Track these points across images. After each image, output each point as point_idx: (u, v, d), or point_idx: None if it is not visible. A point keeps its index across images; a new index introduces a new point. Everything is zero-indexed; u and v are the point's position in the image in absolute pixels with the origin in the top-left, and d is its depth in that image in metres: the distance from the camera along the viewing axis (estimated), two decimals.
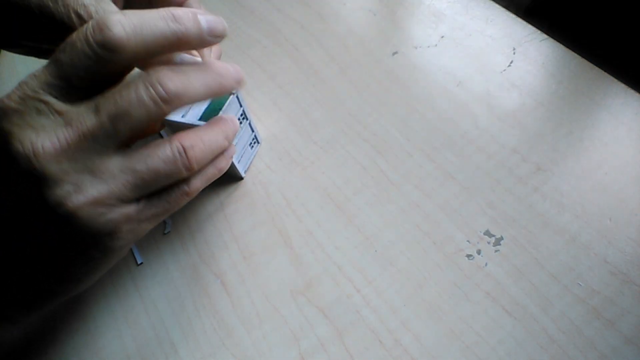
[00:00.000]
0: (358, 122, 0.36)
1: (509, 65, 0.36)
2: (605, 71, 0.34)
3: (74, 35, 0.20)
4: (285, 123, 0.37)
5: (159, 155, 0.21)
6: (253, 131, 0.34)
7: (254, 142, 0.35)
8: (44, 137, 0.19)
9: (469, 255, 0.29)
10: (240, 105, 0.31)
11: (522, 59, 0.36)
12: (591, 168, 0.31)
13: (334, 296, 0.29)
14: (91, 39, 0.19)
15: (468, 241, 0.30)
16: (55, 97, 0.20)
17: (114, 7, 0.25)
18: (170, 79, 0.21)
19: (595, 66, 0.35)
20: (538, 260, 0.28)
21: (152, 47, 0.20)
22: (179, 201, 0.24)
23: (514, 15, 0.39)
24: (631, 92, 0.33)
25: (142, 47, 0.20)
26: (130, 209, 0.22)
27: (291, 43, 0.41)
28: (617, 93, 0.33)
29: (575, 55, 0.36)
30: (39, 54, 0.29)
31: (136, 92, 0.20)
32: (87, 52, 0.19)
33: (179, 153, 0.22)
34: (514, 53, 0.37)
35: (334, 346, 0.27)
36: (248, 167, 0.35)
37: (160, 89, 0.20)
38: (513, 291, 0.28)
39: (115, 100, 0.20)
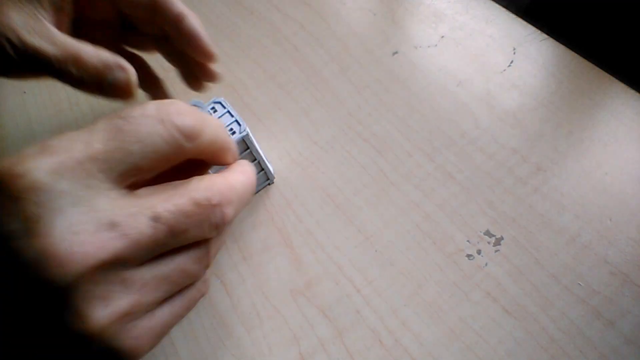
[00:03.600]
0: (358, 122, 0.36)
1: (509, 65, 0.36)
2: (605, 71, 0.34)
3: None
4: (285, 123, 0.37)
5: (188, 259, 0.19)
6: (263, 170, 0.32)
7: (263, 182, 0.33)
8: (83, 238, 0.15)
9: (469, 255, 0.29)
10: (248, 148, 0.29)
11: (522, 59, 0.36)
12: (591, 168, 0.31)
13: (334, 296, 0.29)
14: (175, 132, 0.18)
15: (468, 241, 0.30)
16: (101, 181, 0.16)
17: (49, 30, 0.24)
18: (231, 206, 0.19)
19: (595, 66, 0.35)
20: (538, 260, 0.28)
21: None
22: (195, 300, 0.22)
23: (514, 15, 0.39)
24: (631, 92, 0.33)
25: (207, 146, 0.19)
26: (156, 320, 0.19)
27: (291, 43, 0.41)
28: (617, 93, 0.33)
29: (575, 55, 0.36)
30: None
31: (211, 216, 0.18)
32: (166, 136, 0.17)
33: (205, 256, 0.20)
34: (514, 53, 0.37)
35: (334, 346, 0.27)
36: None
37: (221, 218, 0.19)
38: (513, 291, 0.28)
39: (182, 216, 0.17)
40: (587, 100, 0.34)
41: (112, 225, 0.16)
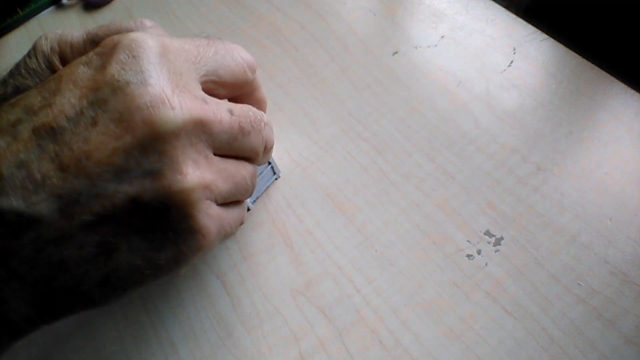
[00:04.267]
0: (358, 122, 0.36)
1: (509, 65, 0.36)
2: (605, 71, 0.34)
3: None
4: (285, 123, 0.37)
5: (248, 170, 0.22)
6: (273, 171, 0.34)
7: (270, 177, 0.34)
8: (186, 95, 0.17)
9: (469, 255, 0.29)
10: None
11: (522, 59, 0.36)
12: (591, 168, 0.31)
13: (334, 296, 0.29)
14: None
15: (468, 241, 0.30)
16: (197, 77, 0.20)
17: None
18: (270, 134, 0.24)
19: (595, 66, 0.35)
20: (538, 260, 0.28)
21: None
22: (240, 221, 0.24)
23: (514, 15, 0.39)
24: (631, 92, 0.33)
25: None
26: (223, 214, 0.20)
27: (291, 43, 0.41)
28: (617, 93, 0.33)
29: (575, 55, 0.36)
30: None
31: (259, 124, 0.22)
32: (235, 58, 0.22)
33: (254, 176, 0.23)
34: (514, 53, 0.37)
35: (334, 346, 0.27)
36: (258, 198, 0.33)
37: (268, 135, 0.23)
38: (513, 291, 0.28)
39: (248, 118, 0.21)
40: (587, 100, 0.34)
41: (205, 101, 0.18)
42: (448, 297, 0.28)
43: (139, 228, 0.17)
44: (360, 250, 0.30)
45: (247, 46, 0.41)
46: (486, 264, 0.29)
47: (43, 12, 0.49)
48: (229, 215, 0.21)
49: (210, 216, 0.18)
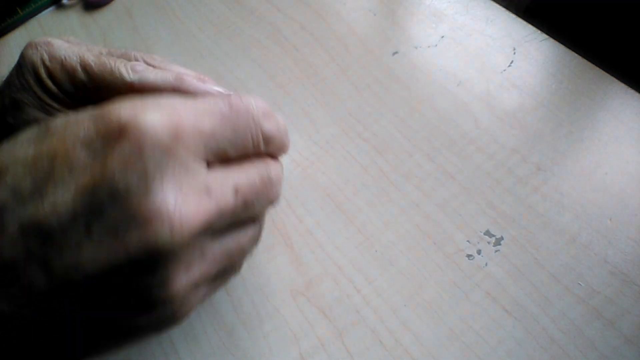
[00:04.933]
0: (358, 122, 0.36)
1: (509, 65, 0.36)
2: (605, 71, 0.34)
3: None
4: (285, 123, 0.37)
5: (248, 236, 0.21)
6: None
7: None
8: (189, 204, 0.16)
9: (469, 255, 0.29)
10: None
11: (522, 59, 0.36)
12: (591, 168, 0.31)
13: (334, 296, 0.29)
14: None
15: (468, 241, 0.30)
16: (199, 156, 0.17)
17: None
18: (281, 186, 0.23)
19: (595, 66, 0.35)
20: (538, 260, 0.28)
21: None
22: (226, 282, 0.23)
23: (514, 15, 0.39)
24: (631, 92, 0.33)
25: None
26: (206, 292, 0.20)
27: (291, 43, 0.41)
28: (617, 93, 0.33)
29: (575, 55, 0.36)
30: None
31: (270, 194, 0.21)
32: (254, 134, 0.20)
33: (259, 233, 0.22)
34: (514, 53, 0.37)
35: (334, 346, 0.27)
36: None
37: (276, 196, 0.22)
38: (513, 291, 0.28)
39: (254, 190, 0.19)
40: (587, 100, 0.34)
41: (208, 191, 0.17)
42: (448, 297, 0.28)
43: (118, 328, 0.17)
44: (361, 250, 0.30)
45: (247, 46, 0.41)
46: (486, 264, 0.29)
47: (43, 12, 0.49)
48: (213, 288, 0.21)
49: (191, 305, 0.18)
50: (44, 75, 0.25)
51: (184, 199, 0.15)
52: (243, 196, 0.18)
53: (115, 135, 0.15)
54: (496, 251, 0.29)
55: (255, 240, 0.22)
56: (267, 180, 0.20)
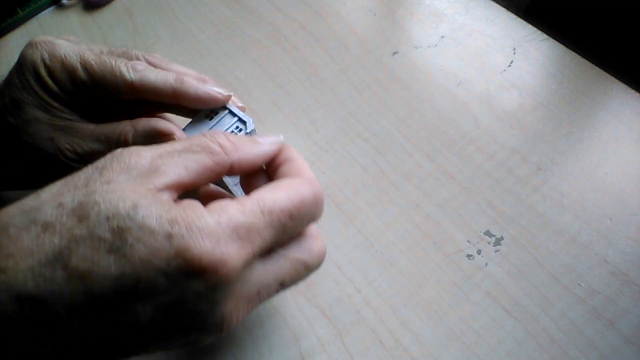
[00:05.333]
0: (358, 122, 0.36)
1: (509, 65, 0.36)
2: (605, 71, 0.34)
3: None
4: (285, 123, 0.37)
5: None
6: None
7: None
8: (239, 310, 0.19)
9: (469, 255, 0.29)
10: (235, 115, 0.28)
11: (522, 59, 0.36)
12: (591, 168, 0.31)
13: (334, 296, 0.29)
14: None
15: (468, 241, 0.30)
16: (257, 261, 0.20)
17: (85, 132, 0.27)
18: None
19: (595, 66, 0.35)
20: (538, 260, 0.28)
21: None
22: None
23: (514, 15, 0.39)
24: (631, 92, 0.33)
25: None
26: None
27: (291, 43, 0.41)
28: (617, 93, 0.33)
29: (575, 55, 0.36)
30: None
31: (310, 273, 0.22)
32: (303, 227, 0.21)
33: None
34: (514, 53, 0.37)
35: (334, 346, 0.27)
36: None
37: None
38: (513, 291, 0.28)
39: (297, 279, 0.21)
40: (587, 100, 0.34)
41: (258, 293, 0.20)
42: (448, 297, 0.28)
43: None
44: (361, 250, 0.30)
45: (247, 46, 0.41)
46: (486, 264, 0.29)
47: (43, 12, 0.49)
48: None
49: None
50: (44, 74, 0.25)
51: (237, 307, 0.19)
52: (285, 286, 0.21)
53: (195, 275, 0.17)
54: (496, 251, 0.29)
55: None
56: (310, 266, 0.22)
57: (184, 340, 0.19)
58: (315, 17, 0.42)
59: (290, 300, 0.29)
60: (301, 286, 0.30)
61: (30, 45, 0.26)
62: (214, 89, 0.27)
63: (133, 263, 0.17)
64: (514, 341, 0.26)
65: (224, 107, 0.28)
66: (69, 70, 0.26)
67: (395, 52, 0.39)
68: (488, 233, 0.30)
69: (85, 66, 0.26)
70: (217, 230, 0.18)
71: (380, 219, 0.31)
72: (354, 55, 0.39)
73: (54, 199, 0.18)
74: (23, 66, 0.26)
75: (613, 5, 0.56)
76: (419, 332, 0.27)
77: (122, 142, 0.26)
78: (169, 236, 0.17)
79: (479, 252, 0.29)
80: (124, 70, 0.26)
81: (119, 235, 0.17)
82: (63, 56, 0.26)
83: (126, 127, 0.27)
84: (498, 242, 0.29)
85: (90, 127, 0.27)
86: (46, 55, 0.26)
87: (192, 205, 0.18)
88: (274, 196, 0.20)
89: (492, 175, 0.32)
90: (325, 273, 0.30)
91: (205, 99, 0.26)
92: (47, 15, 0.49)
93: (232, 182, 0.27)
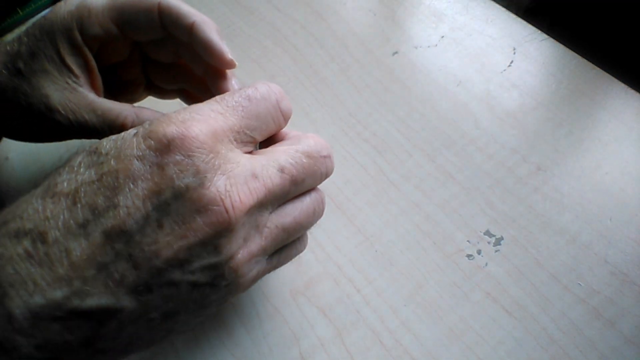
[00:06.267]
0: (358, 122, 0.36)
1: (509, 65, 0.36)
2: (605, 71, 0.34)
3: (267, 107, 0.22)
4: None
5: (303, 209, 0.22)
6: None
7: None
8: (238, 188, 0.19)
9: (469, 255, 0.29)
10: None
11: (522, 59, 0.36)
12: (591, 168, 0.31)
13: (334, 296, 0.29)
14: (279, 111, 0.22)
15: (468, 241, 0.30)
16: (238, 145, 0.20)
17: (87, 98, 0.27)
18: (332, 157, 0.24)
19: (595, 66, 0.35)
20: (538, 260, 0.28)
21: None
22: (292, 257, 0.25)
23: (514, 15, 0.39)
24: (631, 92, 0.33)
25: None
26: (266, 265, 0.22)
27: (291, 43, 0.41)
28: (617, 93, 0.33)
29: (575, 55, 0.36)
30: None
31: (321, 166, 0.22)
32: (275, 116, 0.22)
33: (319, 202, 0.23)
34: (514, 53, 0.37)
35: (334, 346, 0.27)
36: None
37: (330, 167, 0.23)
38: (513, 291, 0.28)
39: (300, 167, 0.21)
40: (587, 100, 0.34)
41: (255, 176, 0.19)
42: (448, 297, 0.28)
43: (195, 299, 0.19)
44: (360, 250, 0.30)
45: (247, 46, 0.41)
46: (486, 264, 0.29)
47: (43, 12, 0.49)
48: (272, 264, 0.23)
49: (249, 278, 0.21)
50: (75, 26, 0.26)
51: (233, 184, 0.18)
52: (290, 174, 0.21)
53: (166, 147, 0.18)
54: (496, 251, 0.29)
55: (314, 213, 0.23)
56: (311, 153, 0.22)
57: (197, 244, 0.18)
58: (315, 17, 0.42)
59: (290, 300, 0.29)
60: (301, 286, 0.30)
61: (63, 1, 0.27)
62: (226, 47, 0.28)
63: (109, 163, 0.18)
64: (514, 341, 0.26)
65: None
66: (97, 19, 0.26)
67: (395, 52, 0.39)
68: (488, 233, 0.30)
69: (114, 9, 0.27)
70: (184, 115, 0.19)
71: (380, 219, 0.31)
72: (354, 55, 0.39)
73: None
74: (53, 16, 0.26)
75: (613, 5, 0.56)
76: (419, 332, 0.27)
77: (118, 125, 0.26)
78: (136, 133, 0.19)
79: (479, 252, 0.29)
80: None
81: (94, 152, 0.18)
82: (90, 3, 0.27)
83: (128, 110, 0.27)
84: (498, 242, 0.29)
85: (90, 97, 0.27)
86: (74, 8, 0.26)
87: None
88: (225, 94, 0.21)
89: (492, 175, 0.32)
90: (325, 273, 0.30)
91: (216, 50, 0.27)
92: None
93: None
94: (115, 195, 0.17)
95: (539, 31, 0.37)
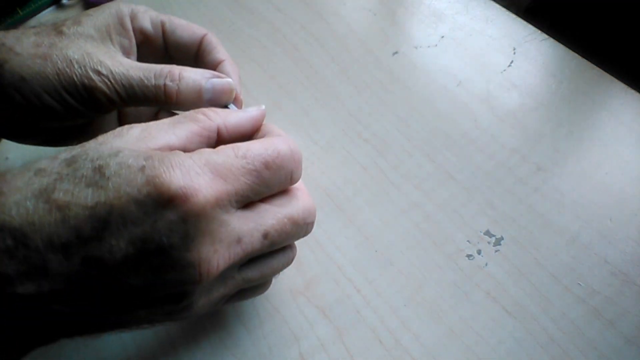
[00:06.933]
0: (358, 122, 0.36)
1: (509, 65, 0.36)
2: (605, 71, 0.34)
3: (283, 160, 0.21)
4: (285, 123, 0.37)
5: (272, 266, 0.23)
6: None
7: None
8: (219, 254, 0.19)
9: (469, 255, 0.29)
10: None
11: (522, 59, 0.36)
12: (591, 168, 0.31)
13: (334, 296, 0.29)
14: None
15: (468, 241, 0.30)
16: (235, 208, 0.20)
17: (126, 61, 0.27)
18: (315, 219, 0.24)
19: (595, 66, 0.35)
20: (538, 260, 0.28)
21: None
22: (248, 298, 0.26)
23: (514, 15, 0.39)
24: (631, 92, 0.33)
25: None
26: (221, 306, 0.24)
27: (291, 43, 0.41)
28: (617, 93, 0.33)
29: (575, 55, 0.36)
30: (61, 139, 0.30)
31: (302, 231, 0.23)
32: (284, 184, 0.22)
33: (290, 259, 0.24)
34: (514, 53, 0.37)
35: (334, 346, 0.27)
36: None
37: (309, 231, 0.24)
38: (513, 291, 0.28)
39: (283, 233, 0.21)
40: (587, 100, 0.34)
41: (238, 241, 0.20)
42: (448, 297, 0.28)
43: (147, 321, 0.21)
44: (360, 250, 0.30)
45: (247, 46, 0.41)
46: (486, 264, 0.29)
47: (43, 12, 0.49)
48: (236, 300, 0.24)
49: (209, 309, 0.22)
50: (127, 21, 0.28)
51: (216, 250, 0.19)
52: (272, 240, 0.21)
53: (166, 203, 0.18)
54: (496, 251, 0.29)
55: (282, 267, 0.24)
56: (297, 220, 0.22)
57: (164, 290, 0.19)
58: (315, 17, 0.42)
59: (290, 300, 0.29)
60: (301, 286, 0.30)
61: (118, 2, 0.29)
62: (239, 87, 0.29)
63: (107, 193, 0.18)
64: (514, 341, 0.26)
65: (226, 107, 0.28)
66: (153, 20, 0.29)
67: (395, 52, 0.39)
68: (488, 233, 0.30)
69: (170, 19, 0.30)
70: (189, 163, 0.18)
71: (380, 219, 0.31)
72: (354, 55, 0.39)
73: (53, 156, 0.19)
74: (107, 5, 0.28)
75: (613, 5, 0.56)
76: (419, 332, 0.27)
77: (160, 85, 0.26)
78: (142, 168, 0.18)
79: (479, 252, 0.29)
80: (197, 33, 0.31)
81: (99, 171, 0.18)
82: (137, 16, 0.29)
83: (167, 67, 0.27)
84: (498, 242, 0.29)
85: (127, 60, 0.27)
86: (127, 10, 0.28)
87: (173, 152, 0.19)
88: (248, 144, 0.21)
89: (492, 175, 0.32)
90: (325, 273, 0.30)
91: (231, 85, 0.28)
92: (47, 15, 0.49)
93: None
94: (104, 229, 0.17)
95: (539, 31, 0.37)
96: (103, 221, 0.17)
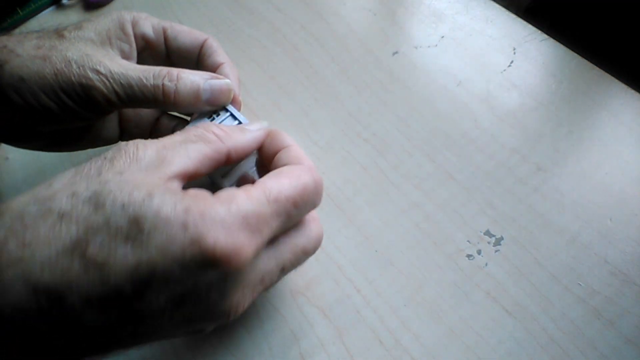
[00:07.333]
0: (358, 122, 0.36)
1: (509, 65, 0.36)
2: (605, 71, 0.34)
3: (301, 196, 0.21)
4: (285, 123, 0.37)
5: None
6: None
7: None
8: (245, 298, 0.20)
9: (469, 255, 0.29)
10: (236, 119, 0.28)
11: (522, 59, 0.36)
12: (591, 168, 0.31)
13: (334, 296, 0.29)
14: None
15: (468, 241, 0.30)
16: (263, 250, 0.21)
17: (125, 62, 0.27)
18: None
19: (595, 66, 0.35)
20: (538, 260, 0.28)
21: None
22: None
23: (514, 15, 0.39)
24: (631, 92, 0.33)
25: None
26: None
27: (291, 43, 0.41)
28: (617, 93, 0.33)
29: (575, 55, 0.36)
30: (59, 144, 0.30)
31: (308, 258, 0.23)
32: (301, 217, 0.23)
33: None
34: (514, 53, 0.37)
35: (334, 346, 0.27)
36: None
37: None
38: (513, 291, 0.28)
39: (297, 264, 0.23)
40: (587, 100, 0.34)
41: (262, 281, 0.21)
42: (448, 297, 0.28)
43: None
44: (360, 250, 0.30)
45: (247, 46, 0.41)
46: (486, 264, 0.29)
47: (43, 12, 0.49)
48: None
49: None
50: (128, 26, 0.28)
51: (245, 294, 0.20)
52: (286, 271, 0.22)
53: (210, 264, 0.18)
54: (496, 251, 0.29)
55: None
56: (309, 251, 0.23)
57: (191, 328, 0.20)
58: (315, 17, 0.42)
59: (290, 300, 0.29)
60: (301, 286, 0.30)
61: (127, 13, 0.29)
62: (237, 89, 0.29)
63: (149, 252, 0.17)
64: (514, 341, 0.26)
65: (225, 109, 0.28)
66: (155, 27, 0.29)
67: (395, 52, 0.39)
68: (488, 233, 0.30)
69: (171, 25, 0.30)
70: (229, 220, 0.18)
71: (380, 219, 0.31)
72: (354, 55, 0.39)
73: (67, 188, 0.18)
74: (109, 12, 0.29)
75: (613, 5, 0.56)
76: (419, 332, 0.27)
77: (158, 85, 0.26)
78: (185, 225, 0.17)
79: (479, 252, 0.29)
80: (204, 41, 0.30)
81: (135, 223, 0.17)
82: (140, 22, 0.29)
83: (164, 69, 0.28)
84: (498, 242, 0.29)
85: (126, 62, 0.27)
86: (130, 17, 0.29)
87: (202, 194, 0.19)
88: (278, 185, 0.21)
89: (492, 175, 0.32)
90: (325, 273, 0.30)
91: (230, 89, 0.28)
92: (47, 15, 0.49)
93: (228, 183, 0.27)
94: (145, 288, 0.17)
95: (539, 31, 0.37)
96: (145, 282, 0.17)
